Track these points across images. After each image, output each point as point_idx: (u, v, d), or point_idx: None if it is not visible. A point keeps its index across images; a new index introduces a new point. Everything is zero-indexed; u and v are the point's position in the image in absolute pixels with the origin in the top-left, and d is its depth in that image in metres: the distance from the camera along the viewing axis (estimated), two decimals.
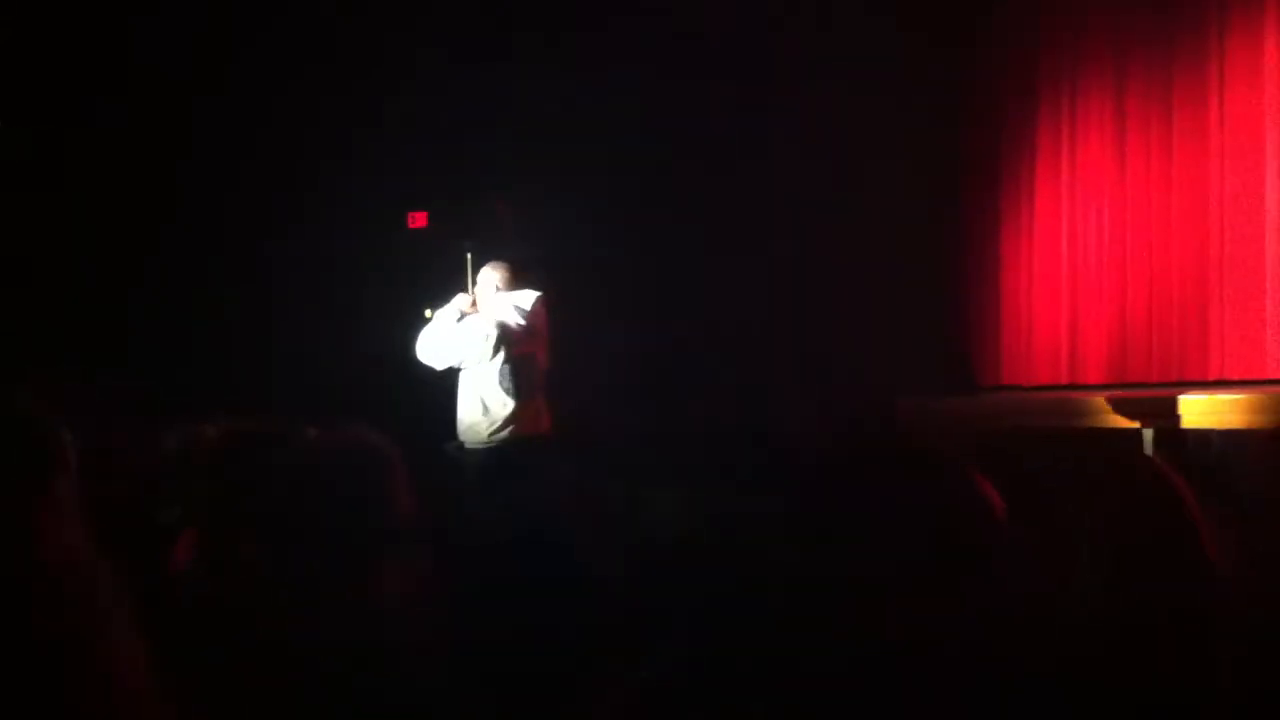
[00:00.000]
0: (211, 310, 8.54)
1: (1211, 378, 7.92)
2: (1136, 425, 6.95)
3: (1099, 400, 7.25)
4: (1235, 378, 7.77)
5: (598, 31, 8.74)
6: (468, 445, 6.33)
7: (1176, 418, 6.79)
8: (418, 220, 8.79)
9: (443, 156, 8.84)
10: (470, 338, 6.26)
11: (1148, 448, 6.65)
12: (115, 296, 8.37)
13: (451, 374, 6.45)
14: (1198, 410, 6.73)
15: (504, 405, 6.27)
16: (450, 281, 7.43)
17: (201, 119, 8.59)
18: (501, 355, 6.24)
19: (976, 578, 1.62)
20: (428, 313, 6.56)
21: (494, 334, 6.21)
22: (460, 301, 6.43)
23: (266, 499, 2.54)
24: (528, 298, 6.38)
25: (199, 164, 8.61)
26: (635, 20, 8.67)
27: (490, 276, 6.46)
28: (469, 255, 7.95)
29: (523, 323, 6.28)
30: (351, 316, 8.60)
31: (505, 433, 6.26)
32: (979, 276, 9.32)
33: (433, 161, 8.86)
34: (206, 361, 8.05)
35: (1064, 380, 8.77)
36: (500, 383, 6.26)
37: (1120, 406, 7.09)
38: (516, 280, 6.43)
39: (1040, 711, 1.61)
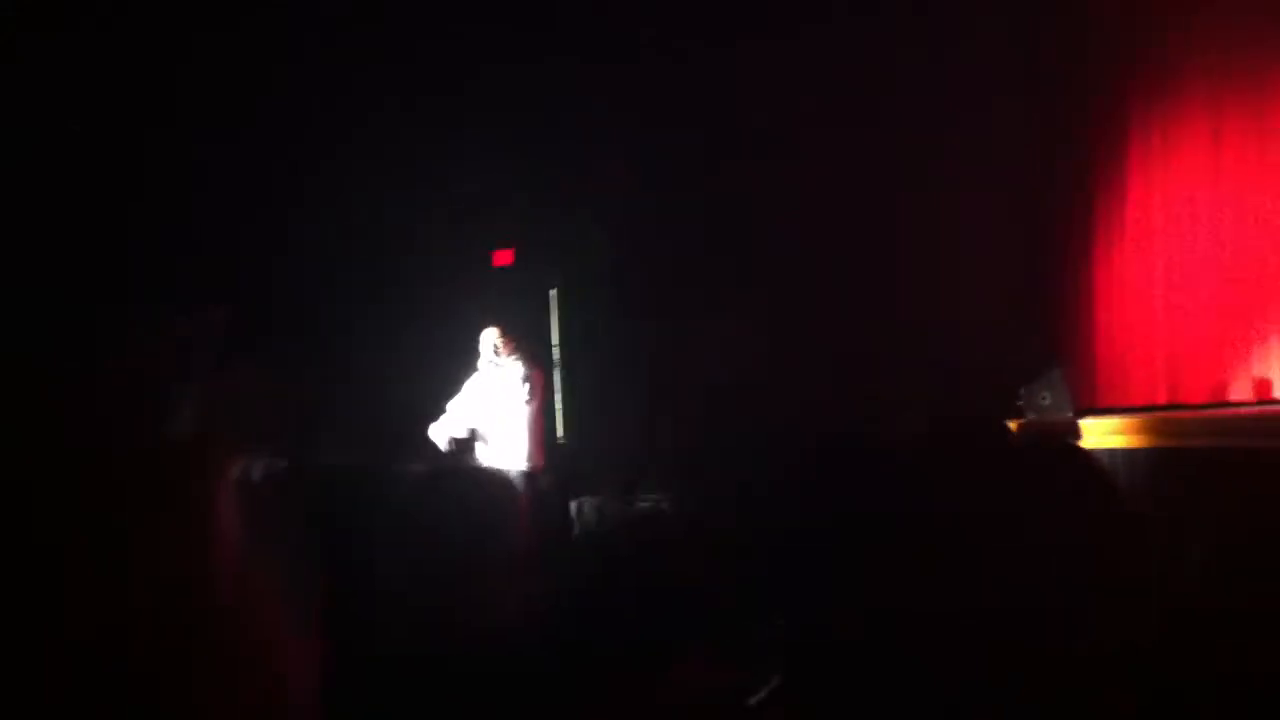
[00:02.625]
0: (293, 342, 8.65)
1: None
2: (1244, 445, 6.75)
3: (1200, 420, 7.06)
4: None
5: (677, 53, 8.78)
6: None
7: None
8: (503, 258, 8.83)
9: (531, 190, 8.88)
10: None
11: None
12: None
13: None
14: None
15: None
16: (534, 318, 7.51)
17: (290, 148, 8.70)
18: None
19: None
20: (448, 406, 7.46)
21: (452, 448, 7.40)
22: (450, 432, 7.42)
23: (393, 527, 2.66)
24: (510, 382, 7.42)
25: (285, 193, 8.72)
26: (727, 38, 8.72)
27: (490, 336, 7.43)
28: (553, 292, 8.03)
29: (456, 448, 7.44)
30: (436, 354, 8.66)
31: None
32: (1072, 291, 9.13)
33: (519, 196, 8.90)
34: (283, 393, 8.13)
35: (1162, 400, 8.55)
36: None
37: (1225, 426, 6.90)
38: (508, 344, 7.39)
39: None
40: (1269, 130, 8.14)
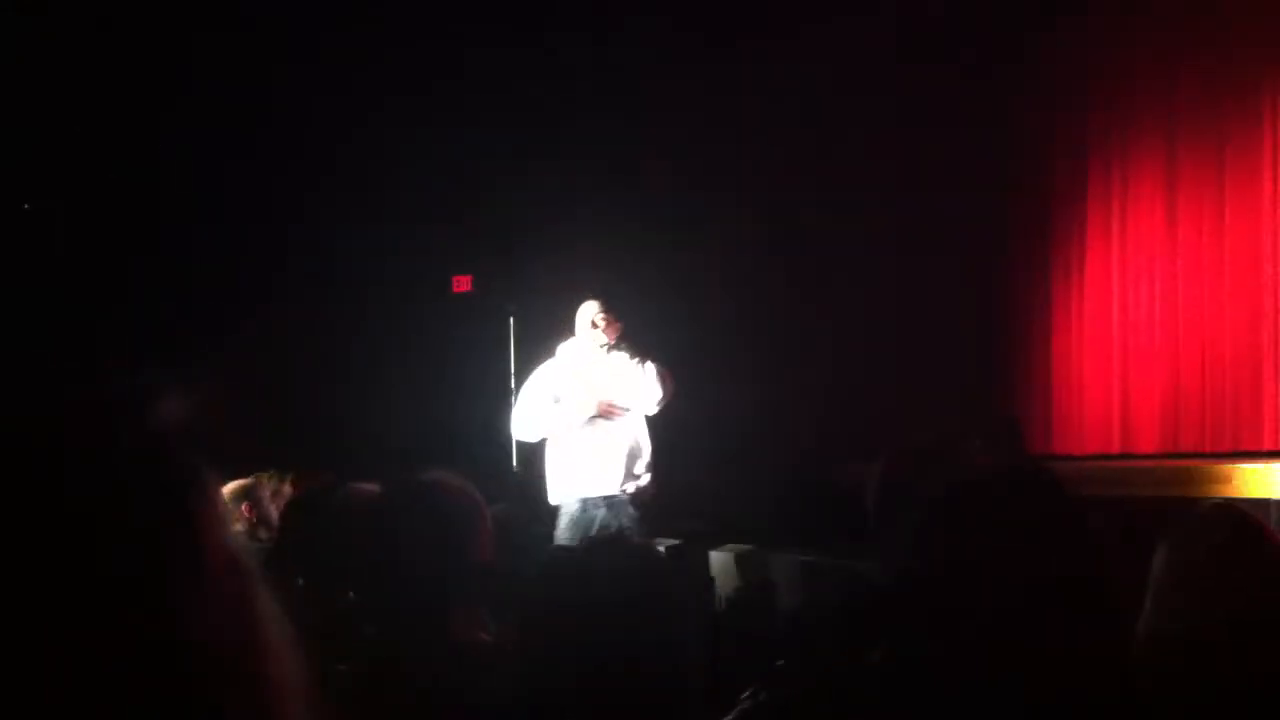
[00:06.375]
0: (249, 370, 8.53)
1: (1266, 447, 7.73)
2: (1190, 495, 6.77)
3: (1153, 469, 7.09)
4: None
5: (663, 84, 8.84)
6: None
7: (1233, 487, 6.62)
8: (462, 284, 8.74)
9: (488, 216, 8.85)
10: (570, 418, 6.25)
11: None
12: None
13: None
14: (1256, 480, 6.56)
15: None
16: (493, 346, 7.44)
17: (245, 178, 8.64)
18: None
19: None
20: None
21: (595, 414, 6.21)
22: (552, 385, 6.36)
23: (353, 542, 2.64)
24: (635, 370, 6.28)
25: (246, 223, 8.64)
26: (712, 70, 8.78)
27: (589, 311, 6.34)
28: (511, 318, 7.96)
29: (624, 409, 6.22)
30: (396, 383, 8.58)
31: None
32: (1028, 342, 9.20)
33: (477, 223, 8.85)
34: (244, 421, 8.02)
35: (1115, 449, 8.59)
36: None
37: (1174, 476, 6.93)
38: (612, 323, 6.30)
39: None
40: (1225, 180, 8.24)
